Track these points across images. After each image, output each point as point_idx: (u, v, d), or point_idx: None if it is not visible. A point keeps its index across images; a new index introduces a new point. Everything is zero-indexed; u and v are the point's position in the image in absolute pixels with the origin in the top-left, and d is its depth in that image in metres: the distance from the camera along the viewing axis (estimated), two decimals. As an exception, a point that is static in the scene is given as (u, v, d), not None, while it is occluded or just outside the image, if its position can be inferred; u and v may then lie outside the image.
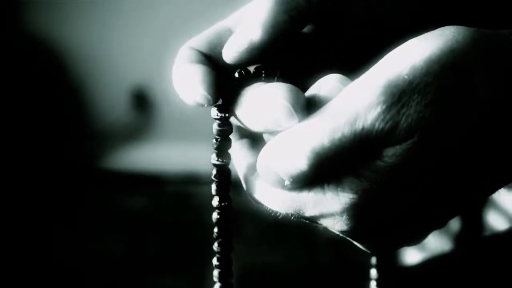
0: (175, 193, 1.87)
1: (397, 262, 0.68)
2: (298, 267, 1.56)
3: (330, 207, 0.28)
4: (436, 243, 0.66)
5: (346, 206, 0.27)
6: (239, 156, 0.33)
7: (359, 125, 0.25)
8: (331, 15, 0.32)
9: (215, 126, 0.31)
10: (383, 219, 0.28)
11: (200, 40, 0.33)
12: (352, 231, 0.29)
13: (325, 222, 0.29)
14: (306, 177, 0.27)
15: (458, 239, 0.66)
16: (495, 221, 0.63)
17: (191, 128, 1.87)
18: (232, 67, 0.31)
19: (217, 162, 0.31)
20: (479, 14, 0.35)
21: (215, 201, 0.32)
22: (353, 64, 0.32)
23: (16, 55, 1.86)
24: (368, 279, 0.44)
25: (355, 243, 0.31)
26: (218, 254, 0.33)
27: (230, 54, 0.30)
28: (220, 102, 0.31)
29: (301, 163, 0.26)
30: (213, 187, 0.32)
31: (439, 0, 0.34)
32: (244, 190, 0.32)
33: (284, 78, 0.30)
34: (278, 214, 0.31)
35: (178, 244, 1.65)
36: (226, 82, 0.30)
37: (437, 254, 0.65)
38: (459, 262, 0.61)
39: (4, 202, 1.70)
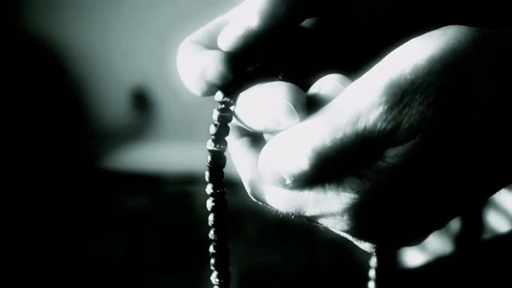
0: (175, 193, 1.87)
1: (398, 264, 0.68)
2: (298, 267, 1.56)
3: (331, 207, 0.28)
4: (436, 244, 0.66)
5: (347, 206, 0.27)
6: (240, 154, 0.33)
7: (361, 125, 0.25)
8: (331, 15, 0.32)
9: (215, 111, 0.30)
10: (384, 219, 0.28)
11: (200, 34, 0.33)
12: (353, 231, 0.29)
13: (326, 222, 0.29)
14: (307, 177, 0.27)
15: (459, 240, 0.66)
16: (496, 222, 0.63)
17: (191, 128, 1.87)
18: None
19: (214, 148, 0.31)
20: (479, 14, 0.35)
21: (209, 188, 0.31)
22: (353, 64, 0.32)
23: (16, 55, 1.86)
24: (368, 279, 0.44)
25: (356, 242, 0.31)
26: (215, 242, 0.32)
27: (225, 40, 0.30)
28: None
29: (302, 162, 0.26)
30: (207, 174, 0.31)
31: (439, 0, 0.34)
32: (244, 190, 0.32)
33: (285, 78, 0.30)
34: (279, 213, 0.30)
35: (178, 244, 1.65)
36: (237, 69, 0.30)
37: (438, 255, 0.65)
38: (460, 263, 0.61)
39: (4, 202, 1.70)
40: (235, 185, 0.34)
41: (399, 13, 0.32)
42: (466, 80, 0.26)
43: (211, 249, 0.32)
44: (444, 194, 0.28)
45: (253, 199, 0.31)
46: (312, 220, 0.30)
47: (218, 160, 0.31)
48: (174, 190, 1.88)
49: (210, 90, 0.30)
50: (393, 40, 0.30)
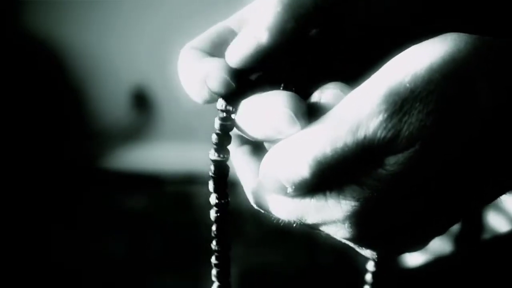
0: (175, 193, 1.87)
1: (398, 264, 0.68)
2: (298, 268, 1.56)
3: (332, 215, 0.28)
4: (436, 245, 0.66)
5: (348, 213, 0.27)
6: (241, 162, 0.33)
7: (361, 134, 0.25)
8: (331, 16, 0.32)
9: (217, 120, 0.30)
10: (385, 226, 0.28)
11: (201, 40, 0.33)
12: (354, 238, 0.29)
13: (327, 229, 0.29)
14: (308, 185, 0.27)
15: (459, 240, 0.66)
16: (496, 223, 0.63)
17: (191, 128, 1.87)
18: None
19: (217, 158, 0.31)
20: (479, 14, 0.35)
21: (213, 199, 0.31)
22: (353, 64, 0.32)
23: (16, 55, 1.86)
24: (364, 282, 0.44)
25: (357, 249, 0.31)
26: (217, 253, 0.33)
27: (235, 57, 0.30)
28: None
29: (303, 171, 0.27)
30: (211, 184, 0.31)
31: (439, 0, 0.34)
32: (244, 191, 0.32)
33: (287, 86, 0.30)
34: (280, 221, 0.31)
35: (178, 244, 1.65)
36: (239, 77, 0.30)
37: (438, 255, 0.65)
38: (460, 264, 0.61)
39: (4, 202, 1.70)
40: (235, 185, 0.34)
41: (399, 13, 0.32)
42: (466, 88, 0.26)
43: (213, 259, 0.33)
44: (444, 201, 0.28)
45: (255, 207, 0.32)
46: (314, 227, 0.30)
47: (221, 170, 0.31)
48: (174, 190, 1.88)
49: (212, 98, 0.30)
50: (393, 40, 0.30)
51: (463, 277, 0.58)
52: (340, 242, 0.31)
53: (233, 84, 0.29)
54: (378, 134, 0.25)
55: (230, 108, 0.30)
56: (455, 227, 0.67)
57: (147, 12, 1.82)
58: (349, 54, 0.33)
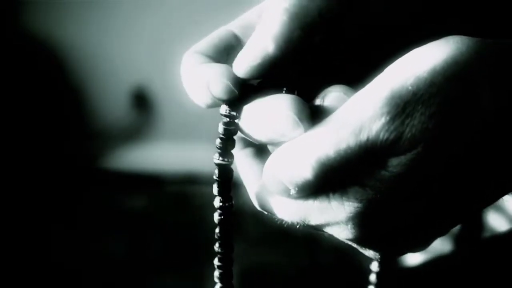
0: (175, 193, 1.87)
1: (398, 263, 0.68)
2: (298, 267, 1.56)
3: (335, 216, 0.28)
4: (436, 244, 0.67)
5: (351, 215, 0.28)
6: (245, 165, 0.34)
7: (364, 136, 0.26)
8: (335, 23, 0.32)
9: (221, 125, 0.30)
10: (388, 227, 0.29)
11: (204, 44, 0.33)
12: (357, 239, 0.29)
13: (331, 230, 0.29)
14: (312, 186, 0.27)
15: (459, 240, 0.66)
16: (496, 222, 0.64)
17: (191, 128, 1.87)
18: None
19: (221, 162, 0.31)
20: (479, 14, 0.35)
21: (217, 202, 0.32)
22: (353, 65, 0.33)
23: (16, 55, 1.86)
24: (368, 282, 0.44)
25: (360, 250, 0.32)
26: (220, 255, 0.33)
27: (242, 68, 0.30)
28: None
29: (306, 173, 0.27)
30: (215, 187, 0.31)
31: (439, 0, 0.34)
32: (245, 190, 0.32)
33: (290, 90, 0.30)
34: (283, 222, 0.31)
35: (178, 244, 1.65)
36: (243, 82, 0.30)
37: (438, 255, 0.65)
38: (460, 263, 0.61)
39: (4, 202, 1.70)
40: (237, 186, 0.34)
41: (399, 13, 0.33)
42: (468, 91, 0.26)
43: (216, 261, 0.33)
44: (446, 203, 0.28)
45: (258, 209, 0.32)
46: (317, 229, 0.30)
47: (225, 174, 0.31)
48: (174, 190, 1.88)
49: (214, 103, 0.31)
50: (393, 41, 0.30)
51: (463, 276, 0.58)
52: (341, 242, 0.31)
53: (236, 91, 0.30)
54: (381, 136, 0.26)
55: (234, 113, 0.30)
56: (455, 227, 0.68)
57: (147, 12, 1.82)
58: (349, 54, 0.33)
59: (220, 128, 0.30)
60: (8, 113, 1.86)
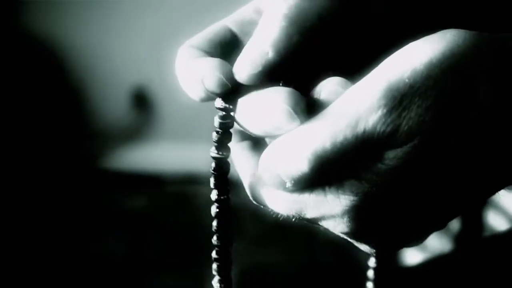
0: (175, 193, 1.87)
1: (397, 263, 0.68)
2: (298, 266, 1.56)
3: (331, 209, 0.28)
4: (436, 243, 0.67)
5: (347, 208, 0.28)
6: (241, 158, 0.34)
7: (360, 128, 0.26)
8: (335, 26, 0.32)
9: (217, 119, 0.30)
10: (384, 221, 0.29)
11: (199, 39, 0.33)
12: (353, 233, 0.29)
13: (326, 224, 0.29)
14: (308, 179, 0.27)
15: (458, 239, 0.66)
16: (495, 221, 0.64)
17: (191, 128, 1.87)
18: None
19: (217, 155, 0.31)
20: (479, 14, 0.35)
21: (213, 195, 0.32)
22: (353, 64, 0.33)
23: (16, 55, 1.86)
24: (367, 278, 0.44)
25: (356, 244, 0.31)
26: (217, 248, 0.33)
27: (243, 75, 0.29)
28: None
29: (302, 165, 0.27)
30: (212, 180, 0.32)
31: (439, 0, 0.34)
32: (244, 190, 0.32)
33: (286, 83, 0.30)
34: (279, 216, 0.31)
35: (178, 244, 1.65)
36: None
37: (437, 254, 0.65)
38: (459, 262, 0.61)
39: (4, 202, 1.70)
40: (235, 185, 0.34)
41: (399, 13, 0.33)
42: (465, 83, 0.26)
43: (214, 254, 0.33)
44: (443, 196, 0.28)
45: (254, 202, 0.32)
46: (313, 222, 0.30)
47: (222, 167, 0.31)
48: (174, 190, 1.88)
49: (209, 97, 0.31)
50: (393, 40, 0.30)
51: (463, 276, 0.58)
52: (339, 238, 0.31)
53: (229, 84, 0.30)
54: (378, 129, 0.26)
55: (229, 106, 0.30)
56: (455, 226, 0.68)
57: (147, 12, 1.82)
58: (349, 54, 0.33)
59: (216, 122, 0.30)
60: (8, 113, 1.86)
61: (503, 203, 0.63)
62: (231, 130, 0.31)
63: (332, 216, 0.28)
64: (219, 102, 0.30)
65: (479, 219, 0.66)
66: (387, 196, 0.27)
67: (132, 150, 1.97)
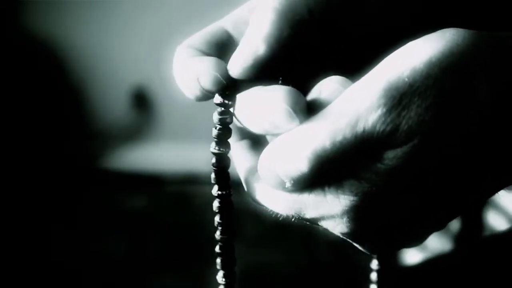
0: (175, 193, 1.87)
1: (397, 262, 0.68)
2: (298, 266, 1.56)
3: (330, 209, 0.28)
4: (436, 243, 0.67)
5: (347, 208, 0.28)
6: (240, 157, 0.34)
7: (360, 128, 0.26)
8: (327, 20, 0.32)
9: (216, 114, 0.31)
10: (383, 221, 0.29)
11: (197, 39, 0.33)
12: (353, 233, 0.29)
13: (326, 224, 0.29)
14: (307, 179, 0.27)
15: (458, 239, 0.66)
16: (495, 221, 0.63)
17: (191, 128, 1.87)
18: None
19: (217, 151, 0.31)
20: (480, 14, 0.35)
21: (214, 190, 0.32)
22: (353, 64, 0.33)
23: (16, 55, 1.86)
24: (368, 279, 0.44)
25: (355, 244, 0.31)
26: (221, 242, 0.33)
27: (236, 69, 0.30)
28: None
29: (302, 165, 0.27)
30: (212, 175, 0.32)
31: (439, 0, 0.34)
32: (244, 190, 0.32)
33: (285, 81, 0.30)
34: (279, 216, 0.31)
35: (178, 244, 1.65)
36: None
37: (437, 254, 0.65)
38: (459, 262, 0.61)
39: (4, 202, 1.70)
40: (234, 184, 0.34)
41: (399, 13, 0.33)
42: (464, 82, 0.26)
43: (217, 249, 0.33)
44: (442, 196, 0.28)
45: (253, 202, 0.32)
46: (312, 222, 0.30)
47: (222, 162, 0.31)
48: (174, 190, 1.88)
49: (204, 96, 0.31)
50: (393, 40, 0.30)
51: (463, 276, 0.58)
52: (339, 238, 0.31)
53: (224, 82, 0.30)
54: (377, 128, 0.25)
55: (227, 102, 0.30)
56: (455, 226, 0.68)
57: (147, 12, 1.82)
58: (349, 53, 0.33)
59: (215, 117, 0.31)
60: (8, 113, 1.86)
61: (503, 203, 0.63)
62: (232, 126, 0.31)
63: (332, 216, 0.28)
64: (217, 98, 0.30)
65: (479, 219, 0.66)
66: (386, 196, 0.27)
67: (132, 150, 1.97)
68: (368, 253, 0.32)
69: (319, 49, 0.32)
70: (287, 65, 0.31)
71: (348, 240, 0.31)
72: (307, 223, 0.30)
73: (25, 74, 1.88)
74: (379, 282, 0.43)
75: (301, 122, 0.27)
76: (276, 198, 0.29)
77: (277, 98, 0.27)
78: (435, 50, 0.26)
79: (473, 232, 0.66)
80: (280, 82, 0.30)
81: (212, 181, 0.32)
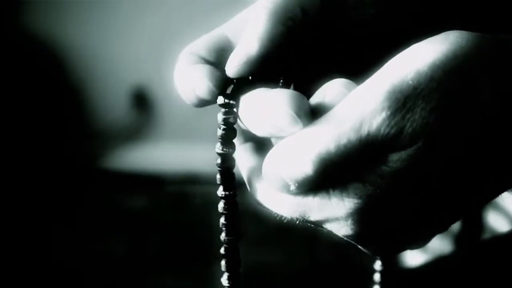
0: (175, 193, 1.87)
1: (399, 264, 0.68)
2: (299, 267, 1.56)
3: (335, 212, 0.28)
4: (437, 244, 0.66)
5: (351, 211, 0.28)
6: (244, 160, 0.33)
7: (364, 131, 0.26)
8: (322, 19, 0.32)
9: (220, 115, 0.31)
10: (387, 223, 0.29)
11: (198, 45, 0.34)
12: (357, 236, 0.29)
13: (330, 227, 0.29)
14: (312, 182, 0.27)
15: (459, 240, 0.66)
16: (496, 222, 0.63)
17: (191, 128, 1.87)
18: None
19: (222, 151, 0.31)
20: (480, 14, 0.35)
21: (220, 191, 0.32)
22: (354, 64, 0.33)
23: (16, 55, 1.86)
24: (370, 279, 0.44)
25: (360, 246, 0.31)
26: (226, 244, 0.33)
27: (231, 68, 0.31)
28: (228, 90, 0.31)
29: (306, 168, 0.27)
30: (218, 176, 0.32)
31: (439, 0, 0.34)
32: (245, 190, 0.32)
33: (287, 84, 0.30)
34: (283, 218, 0.31)
35: (178, 244, 1.65)
36: (234, 79, 0.31)
37: (438, 255, 0.65)
38: (460, 263, 0.61)
39: (4, 202, 1.70)
40: (238, 186, 0.34)
41: (399, 13, 0.33)
42: (468, 85, 0.26)
43: (222, 250, 0.33)
44: (446, 198, 0.28)
45: (257, 205, 0.32)
46: (316, 225, 0.30)
47: (226, 163, 0.31)
48: (174, 190, 1.88)
49: (200, 103, 0.32)
50: (394, 41, 0.30)
51: (464, 277, 0.58)
52: (341, 239, 0.31)
53: (216, 91, 0.31)
54: (381, 131, 0.26)
55: (230, 102, 0.31)
56: (455, 227, 0.67)
57: (147, 12, 1.82)
58: (350, 54, 0.33)
59: (219, 118, 0.31)
60: (8, 113, 1.86)
61: (504, 205, 0.63)
62: (236, 128, 0.31)
63: (336, 219, 0.28)
64: (220, 99, 0.31)
65: (479, 221, 0.66)
66: (391, 199, 0.27)
67: (132, 150, 1.97)
68: (372, 255, 0.32)
69: (318, 49, 0.32)
70: (282, 64, 0.31)
71: (353, 242, 0.31)
72: (311, 225, 0.30)
73: (25, 74, 1.88)
74: (382, 283, 0.43)
75: (305, 125, 0.27)
76: (280, 201, 0.29)
77: (281, 102, 0.27)
78: (439, 53, 0.26)
79: (474, 234, 0.66)
80: (281, 82, 0.30)
81: (218, 182, 0.32)
